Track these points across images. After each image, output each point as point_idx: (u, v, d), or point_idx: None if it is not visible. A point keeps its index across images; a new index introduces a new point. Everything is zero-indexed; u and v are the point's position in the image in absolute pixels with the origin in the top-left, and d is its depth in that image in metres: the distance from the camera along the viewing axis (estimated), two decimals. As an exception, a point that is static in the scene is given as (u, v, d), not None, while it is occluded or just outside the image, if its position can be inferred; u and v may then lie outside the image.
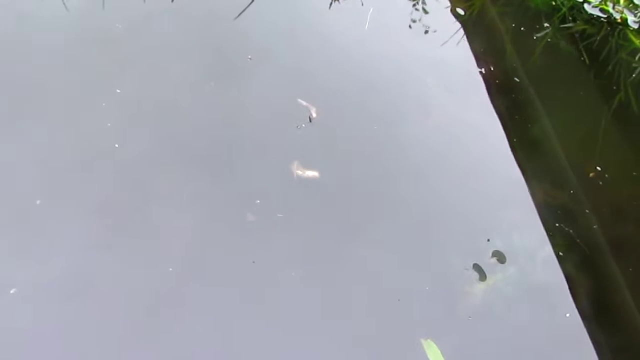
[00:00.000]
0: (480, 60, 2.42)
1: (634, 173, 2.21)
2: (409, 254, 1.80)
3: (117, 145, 1.80)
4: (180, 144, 1.85)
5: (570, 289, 1.84)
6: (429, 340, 1.60)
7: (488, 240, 1.86)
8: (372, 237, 1.81)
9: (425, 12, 2.54)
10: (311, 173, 1.85)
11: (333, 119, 2.02)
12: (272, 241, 1.74)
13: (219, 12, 2.24)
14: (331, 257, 1.74)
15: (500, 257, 1.84)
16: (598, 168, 2.14)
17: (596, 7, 2.86)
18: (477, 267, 1.80)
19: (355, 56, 2.22)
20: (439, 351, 1.58)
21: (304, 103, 1.97)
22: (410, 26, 2.45)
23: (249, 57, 2.08)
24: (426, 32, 2.43)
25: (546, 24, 2.63)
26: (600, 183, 2.13)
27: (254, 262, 1.68)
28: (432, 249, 1.83)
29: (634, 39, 2.76)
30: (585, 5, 2.85)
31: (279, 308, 1.63)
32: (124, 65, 1.98)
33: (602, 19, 2.81)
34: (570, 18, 2.71)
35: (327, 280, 1.70)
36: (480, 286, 1.77)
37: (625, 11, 2.86)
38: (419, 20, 2.48)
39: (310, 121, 1.95)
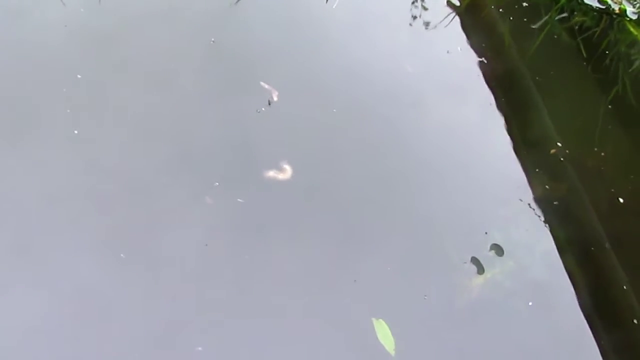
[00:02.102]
0: (477, 51, 2.44)
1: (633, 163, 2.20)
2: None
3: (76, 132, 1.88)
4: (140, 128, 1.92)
5: (568, 282, 1.86)
6: (380, 320, 1.61)
7: (486, 233, 1.88)
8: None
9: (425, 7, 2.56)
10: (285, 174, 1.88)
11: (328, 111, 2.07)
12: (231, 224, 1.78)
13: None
14: (322, 258, 1.77)
15: (498, 250, 1.86)
16: (559, 144, 2.13)
17: (593, -2, 2.86)
18: (475, 261, 1.83)
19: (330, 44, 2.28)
20: (389, 331, 1.59)
21: (266, 86, 2.01)
22: (406, 16, 2.49)
23: (212, 39, 2.15)
24: (427, 27, 2.46)
25: (545, 16, 2.64)
26: (599, 172, 2.11)
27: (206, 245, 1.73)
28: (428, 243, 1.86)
29: (632, 29, 2.74)
30: (584, -2, 2.85)
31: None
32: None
33: (599, 9, 2.80)
34: (569, 10, 2.71)
35: (315, 281, 1.74)
36: (479, 280, 1.79)
37: (624, 2, 2.85)
38: (412, 8, 2.52)
39: (270, 104, 1.99)
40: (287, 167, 1.88)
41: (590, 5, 2.81)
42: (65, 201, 1.72)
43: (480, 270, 1.81)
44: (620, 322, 1.85)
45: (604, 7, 2.81)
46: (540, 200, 2.01)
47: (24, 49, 2.02)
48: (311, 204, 1.87)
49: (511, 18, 2.61)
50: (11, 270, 1.60)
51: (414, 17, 2.47)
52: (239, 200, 1.80)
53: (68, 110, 1.89)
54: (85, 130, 1.87)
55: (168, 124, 1.94)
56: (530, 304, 1.77)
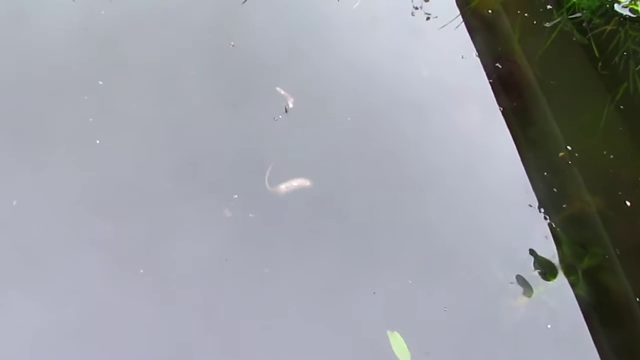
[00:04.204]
0: (493, 54, 2.43)
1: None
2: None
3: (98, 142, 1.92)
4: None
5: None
6: (395, 332, 1.62)
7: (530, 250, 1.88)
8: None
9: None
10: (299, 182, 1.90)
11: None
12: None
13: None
14: (341, 271, 1.80)
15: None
16: (568, 147, 2.12)
17: (626, 7, 2.84)
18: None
19: (346, 44, 2.30)
20: (404, 344, 1.60)
21: (282, 92, 2.04)
22: (412, 14, 2.49)
23: (232, 43, 2.18)
24: (428, 18, 2.46)
25: (556, 15, 2.62)
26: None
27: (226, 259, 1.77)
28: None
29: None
30: (615, 5, 2.83)
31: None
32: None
33: (630, 17, 2.77)
34: (587, 9, 2.68)
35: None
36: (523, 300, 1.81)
37: (656, 10, 2.82)
38: (420, 8, 2.52)
39: (286, 112, 2.01)
40: (305, 179, 1.90)
41: (620, 13, 2.78)
42: (77, 215, 1.77)
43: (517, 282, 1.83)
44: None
45: (634, 15, 2.79)
46: (575, 214, 2.02)
47: (28, 52, 2.07)
48: (331, 214, 1.90)
49: (519, 12, 2.58)
50: (18, 280, 1.65)
51: (427, 20, 2.47)
52: (250, 215, 1.83)
53: (90, 119, 1.94)
54: (99, 139, 1.92)
55: (180, 130, 1.98)
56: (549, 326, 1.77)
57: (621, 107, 2.31)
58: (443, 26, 2.44)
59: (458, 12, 2.51)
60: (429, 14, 2.47)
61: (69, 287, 1.65)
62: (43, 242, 1.72)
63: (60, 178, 1.83)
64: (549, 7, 2.58)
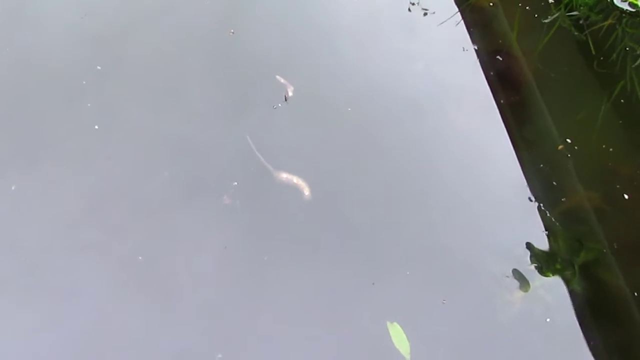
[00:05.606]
0: (493, 49, 2.43)
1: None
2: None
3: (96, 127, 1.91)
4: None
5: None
6: (394, 323, 1.63)
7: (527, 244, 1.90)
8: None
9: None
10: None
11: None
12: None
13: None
14: (340, 268, 1.81)
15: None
16: (568, 140, 2.14)
17: (625, 1, 2.85)
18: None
19: (343, 40, 2.31)
20: (404, 335, 1.61)
21: (282, 80, 2.04)
22: (409, 9, 2.49)
23: (232, 31, 2.18)
24: (425, 14, 2.46)
25: (554, 11, 2.62)
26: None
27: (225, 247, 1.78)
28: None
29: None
30: (615, 0, 2.84)
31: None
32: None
33: (630, 12, 2.78)
34: (576, 5, 2.68)
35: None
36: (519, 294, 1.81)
37: (656, 5, 2.83)
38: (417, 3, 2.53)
39: (286, 100, 2.02)
40: (302, 181, 1.91)
41: (621, 8, 2.79)
42: (74, 220, 1.78)
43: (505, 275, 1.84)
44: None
45: (634, 9, 2.80)
46: (572, 209, 2.03)
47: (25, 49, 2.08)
48: (329, 208, 1.91)
49: (519, 6, 2.58)
50: (14, 287, 1.66)
51: (425, 15, 2.47)
52: (237, 204, 1.84)
53: (88, 117, 1.96)
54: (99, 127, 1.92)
55: (178, 122, 1.99)
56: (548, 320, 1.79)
57: (621, 100, 2.33)
58: (442, 22, 2.45)
59: (456, 7, 2.52)
60: (426, 9, 2.47)
61: (70, 295, 1.68)
62: (41, 248, 1.73)
63: (57, 180, 1.84)
64: (550, 1, 2.59)
